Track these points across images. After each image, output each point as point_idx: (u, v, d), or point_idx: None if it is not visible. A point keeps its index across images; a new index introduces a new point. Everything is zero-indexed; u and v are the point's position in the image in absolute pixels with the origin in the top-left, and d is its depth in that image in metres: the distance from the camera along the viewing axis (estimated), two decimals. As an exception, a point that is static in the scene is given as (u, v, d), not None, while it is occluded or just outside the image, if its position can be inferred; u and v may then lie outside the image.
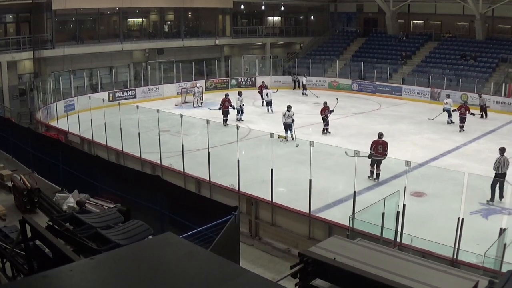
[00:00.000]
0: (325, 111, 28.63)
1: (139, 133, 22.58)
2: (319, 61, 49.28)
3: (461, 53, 44.39)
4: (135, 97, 39.95)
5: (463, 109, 30.26)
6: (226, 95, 32.04)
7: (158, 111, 21.33)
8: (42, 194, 12.65)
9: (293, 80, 47.82)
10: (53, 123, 30.43)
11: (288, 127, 26.58)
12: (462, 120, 30.03)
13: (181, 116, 20.33)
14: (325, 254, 4.54)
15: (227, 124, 29.69)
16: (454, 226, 12.81)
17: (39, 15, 37.37)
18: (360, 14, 55.30)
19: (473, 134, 29.40)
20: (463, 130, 29.84)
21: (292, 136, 26.26)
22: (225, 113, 30.76)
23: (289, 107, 27.15)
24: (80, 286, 3.29)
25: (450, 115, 31.50)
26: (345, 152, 19.17)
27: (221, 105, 31.07)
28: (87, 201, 12.31)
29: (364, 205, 14.32)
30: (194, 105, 37.79)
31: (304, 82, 44.94)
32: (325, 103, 29.33)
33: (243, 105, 32.23)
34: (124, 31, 44.62)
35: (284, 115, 26.99)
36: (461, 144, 26.83)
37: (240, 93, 32.58)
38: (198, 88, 39.13)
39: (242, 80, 48.06)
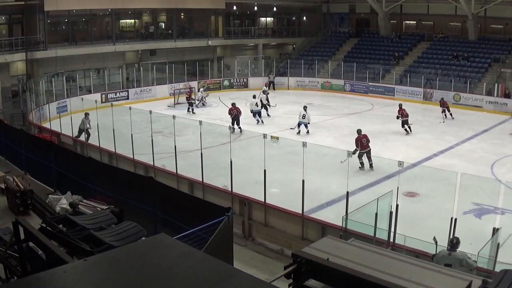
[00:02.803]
0: (233, 111, 30.15)
1: (131, 135, 22.55)
2: (311, 61, 49.38)
3: (453, 53, 44.55)
4: (127, 98, 39.93)
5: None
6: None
7: (150, 112, 21.31)
8: (35, 195, 12.59)
9: (269, 80, 47.27)
10: (46, 125, 30.34)
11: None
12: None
13: (173, 117, 20.31)
14: (319, 254, 4.54)
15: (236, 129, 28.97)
16: (447, 226, 12.84)
17: (31, 16, 37.29)
18: (352, 14, 55.41)
19: (465, 134, 29.50)
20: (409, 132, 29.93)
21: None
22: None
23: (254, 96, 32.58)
24: (73, 287, 3.28)
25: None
26: (341, 161, 18.94)
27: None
28: (80, 202, 12.26)
29: (357, 205, 14.33)
30: (198, 106, 38.09)
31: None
32: (233, 104, 30.67)
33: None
34: (116, 32, 44.56)
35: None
36: (453, 144, 26.92)
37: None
38: (201, 92, 39.31)
39: (235, 81, 48.06)
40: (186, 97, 37.46)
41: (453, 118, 33.53)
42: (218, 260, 3.72)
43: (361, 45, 51.76)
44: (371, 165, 22.11)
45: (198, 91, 40.20)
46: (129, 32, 47.27)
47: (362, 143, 22.32)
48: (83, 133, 26.75)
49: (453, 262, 10.50)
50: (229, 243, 10.67)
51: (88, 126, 26.55)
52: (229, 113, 30.38)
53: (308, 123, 29.05)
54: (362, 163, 22.13)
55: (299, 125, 29.25)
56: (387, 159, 20.76)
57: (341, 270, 3.94)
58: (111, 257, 3.82)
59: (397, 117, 30.14)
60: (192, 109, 36.26)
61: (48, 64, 38.09)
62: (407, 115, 30.03)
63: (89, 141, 25.70)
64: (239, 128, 29.11)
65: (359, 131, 23.01)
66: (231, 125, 28.03)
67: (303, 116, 28.94)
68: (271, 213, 17.06)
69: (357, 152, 21.83)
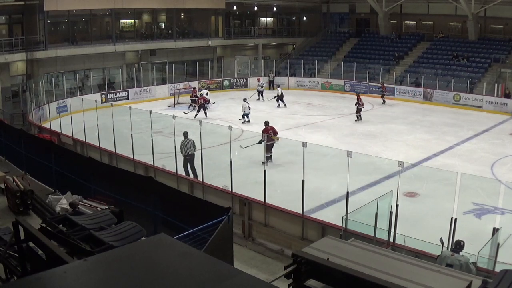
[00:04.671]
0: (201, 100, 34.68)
1: (131, 135, 22.54)
2: (311, 61, 49.39)
3: (453, 53, 44.53)
4: (127, 98, 39.93)
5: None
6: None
7: (150, 112, 21.29)
8: (35, 195, 12.61)
9: (269, 80, 47.75)
10: (46, 125, 30.33)
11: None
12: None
13: (173, 117, 20.30)
14: (319, 254, 4.55)
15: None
16: (447, 226, 12.83)
17: (31, 16, 37.27)
18: (352, 14, 55.36)
19: (465, 134, 29.50)
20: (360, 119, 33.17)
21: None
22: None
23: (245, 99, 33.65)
24: (73, 287, 3.28)
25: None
26: (240, 145, 21.09)
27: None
28: (80, 202, 12.26)
29: (357, 205, 14.32)
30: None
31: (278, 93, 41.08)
32: (201, 94, 35.98)
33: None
34: (116, 32, 44.52)
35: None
36: (453, 144, 26.90)
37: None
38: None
39: (235, 81, 48.07)
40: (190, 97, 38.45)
41: (384, 102, 39.99)
42: (218, 260, 3.72)
43: (361, 45, 51.73)
44: (270, 157, 22.67)
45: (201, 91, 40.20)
46: (129, 32, 47.24)
47: (269, 135, 22.84)
48: (189, 165, 20.77)
49: (454, 263, 10.49)
50: (229, 243, 10.67)
51: (192, 150, 20.76)
52: (197, 102, 35.22)
53: (249, 113, 32.72)
54: (267, 158, 22.48)
55: (243, 116, 32.63)
56: (387, 159, 20.76)
57: (341, 270, 3.95)
58: (111, 257, 3.82)
59: (356, 104, 33.03)
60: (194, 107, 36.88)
61: (48, 64, 38.08)
62: (363, 104, 33.19)
63: (88, 141, 25.53)
64: (205, 113, 34.01)
65: (266, 123, 24.26)
66: (197, 112, 33.85)
67: (248, 107, 32.64)
68: (271, 213, 17.05)
69: (263, 142, 22.18)
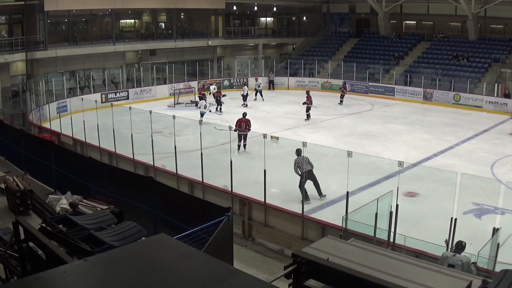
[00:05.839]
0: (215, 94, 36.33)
1: (131, 135, 22.54)
2: (311, 61, 49.37)
3: (453, 53, 44.50)
4: (127, 98, 39.88)
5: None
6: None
7: (150, 112, 21.29)
8: (35, 195, 12.60)
9: (269, 79, 47.95)
10: (46, 125, 30.33)
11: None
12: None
13: (173, 117, 20.30)
14: (319, 254, 4.55)
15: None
16: (447, 226, 12.83)
17: (31, 16, 37.27)
18: (352, 14, 55.35)
19: (465, 134, 29.50)
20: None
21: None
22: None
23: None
24: (73, 287, 3.28)
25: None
26: (214, 127, 22.95)
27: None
28: (80, 202, 12.26)
29: (357, 205, 14.32)
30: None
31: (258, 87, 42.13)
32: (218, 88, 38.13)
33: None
34: (116, 32, 44.51)
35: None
36: (453, 144, 26.89)
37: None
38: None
39: (235, 81, 48.05)
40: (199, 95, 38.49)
41: (340, 103, 39.58)
42: (218, 260, 3.71)
43: (361, 45, 51.72)
44: (244, 146, 24.60)
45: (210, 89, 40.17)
46: (129, 32, 47.24)
47: (241, 126, 24.58)
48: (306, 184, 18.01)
49: (456, 264, 10.49)
50: (229, 243, 10.68)
51: (309, 166, 18.32)
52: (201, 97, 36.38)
53: (205, 113, 32.59)
54: (239, 146, 24.45)
55: (201, 115, 31.97)
56: (387, 159, 20.75)
57: (341, 270, 3.94)
58: (111, 257, 3.82)
59: (304, 103, 32.95)
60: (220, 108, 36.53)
61: (48, 64, 38.07)
62: (311, 103, 33.11)
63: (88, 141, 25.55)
64: (220, 108, 35.80)
65: (244, 114, 25.83)
66: (217, 106, 35.80)
67: (204, 106, 32.49)
68: (271, 213, 17.05)
69: (237, 131, 24.06)
